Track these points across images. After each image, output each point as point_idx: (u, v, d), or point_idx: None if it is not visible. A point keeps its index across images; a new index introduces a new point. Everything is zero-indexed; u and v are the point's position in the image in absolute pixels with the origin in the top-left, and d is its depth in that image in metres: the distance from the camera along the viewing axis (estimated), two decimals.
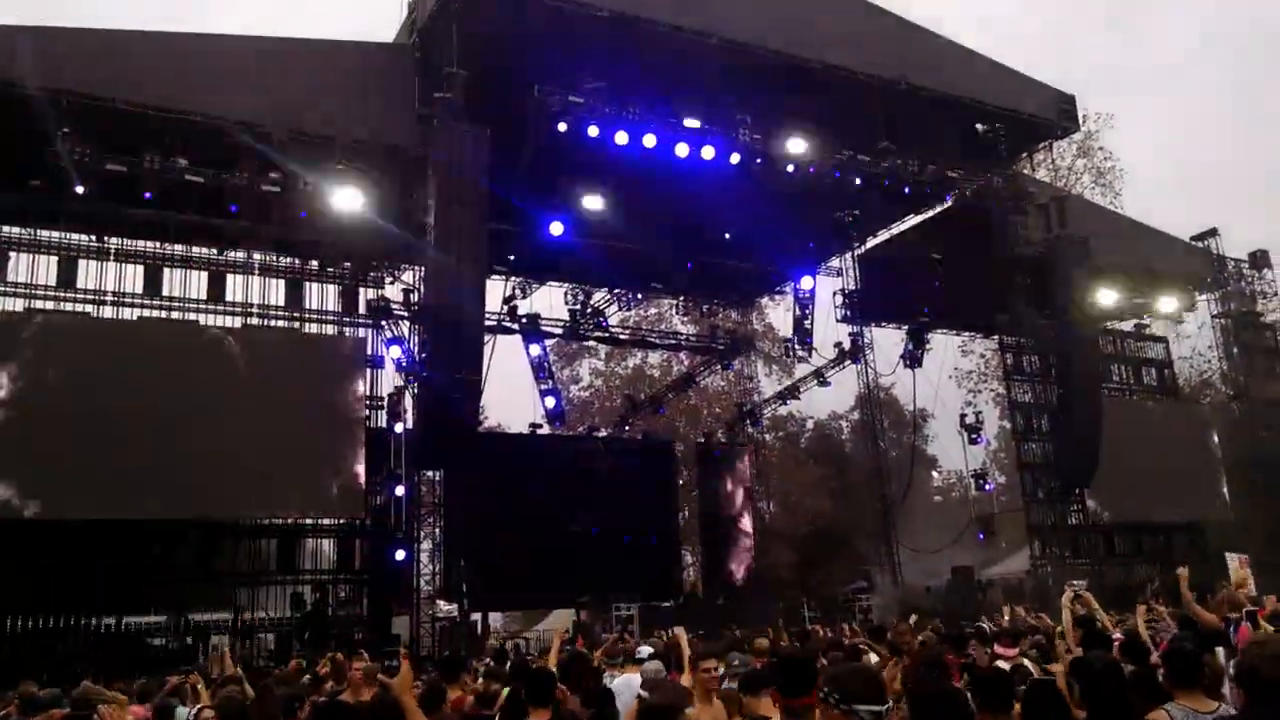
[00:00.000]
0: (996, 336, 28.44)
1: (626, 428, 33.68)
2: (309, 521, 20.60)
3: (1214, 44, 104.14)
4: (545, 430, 28.65)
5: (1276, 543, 28.74)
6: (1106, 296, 26.21)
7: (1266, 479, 29.43)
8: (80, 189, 16.80)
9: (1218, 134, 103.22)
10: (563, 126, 18.18)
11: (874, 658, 7.72)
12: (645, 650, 9.47)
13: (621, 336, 32.05)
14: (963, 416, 27.96)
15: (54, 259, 18.65)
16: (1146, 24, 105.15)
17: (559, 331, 28.76)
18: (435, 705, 5.76)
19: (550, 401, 28.44)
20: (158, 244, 19.35)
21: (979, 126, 23.96)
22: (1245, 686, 2.36)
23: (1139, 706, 4.32)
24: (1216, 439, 30.35)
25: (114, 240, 19.11)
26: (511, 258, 23.42)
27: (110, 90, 16.57)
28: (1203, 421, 30.93)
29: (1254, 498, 29.91)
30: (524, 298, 27.14)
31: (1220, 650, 5.52)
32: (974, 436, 27.78)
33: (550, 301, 27.94)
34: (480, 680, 8.42)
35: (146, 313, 19.08)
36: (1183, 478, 28.30)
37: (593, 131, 18.36)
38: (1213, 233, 29.96)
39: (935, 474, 47.94)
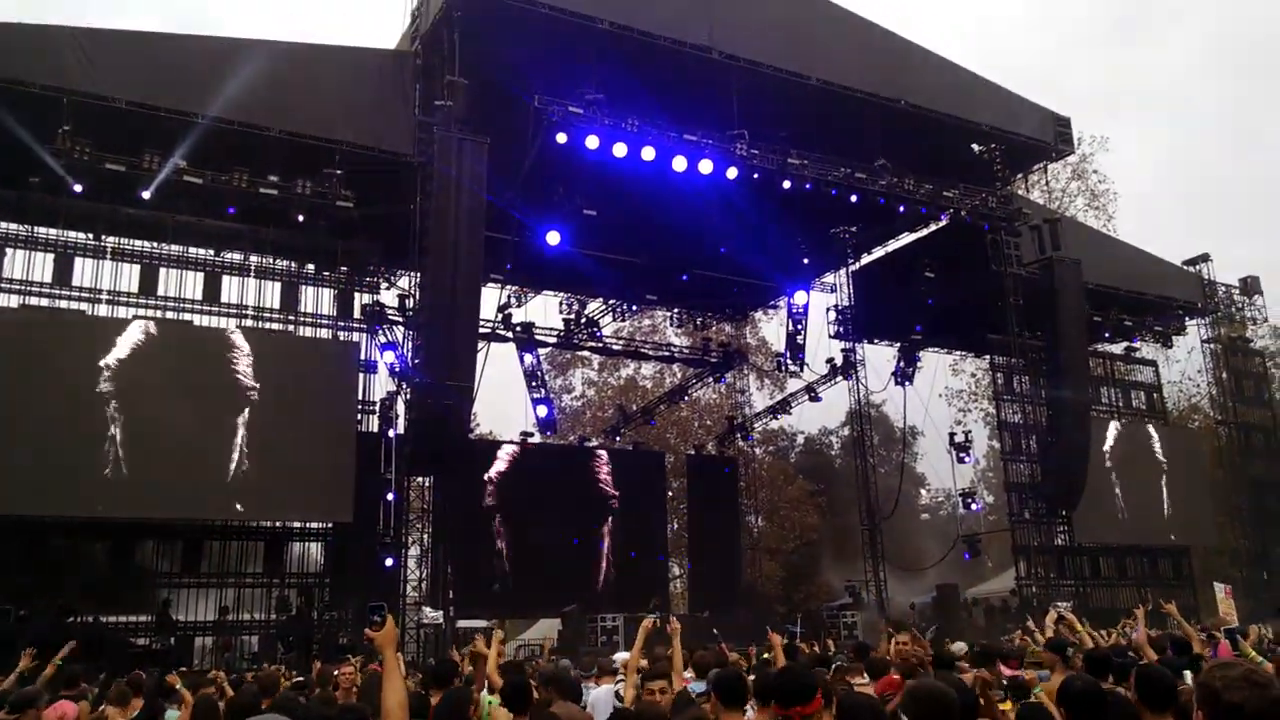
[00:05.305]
0: (988, 356, 28.56)
1: (617, 438, 33.73)
2: (296, 525, 20.61)
3: (1214, 61, 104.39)
4: (536, 439, 28.68)
5: (1260, 569, 28.94)
6: (1097, 319, 26.41)
7: (1252, 505, 29.60)
8: (78, 188, 16.86)
9: (1216, 153, 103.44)
10: (562, 137, 18.26)
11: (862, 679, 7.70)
12: (620, 657, 9.50)
13: (615, 347, 32.10)
14: (952, 435, 28.09)
15: (50, 256, 18.63)
16: (1146, 39, 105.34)
17: (553, 341, 28.85)
18: (421, 713, 5.79)
19: (542, 410, 28.49)
20: (154, 244, 19.38)
21: (975, 147, 24.17)
22: (1205, 710, 2.38)
23: None
24: (1204, 464, 30.52)
25: (110, 239, 19.12)
26: (508, 266, 23.45)
27: (112, 89, 16.64)
28: (1190, 446, 31.09)
29: (1239, 524, 30.08)
30: (519, 306, 27.24)
31: (1188, 674, 5.58)
32: (962, 455, 27.87)
33: (545, 310, 28.09)
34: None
35: (141, 312, 19.09)
36: (1169, 502, 28.45)
37: (592, 143, 18.43)
38: (1204, 258, 30.21)
39: (923, 492, 48.08)
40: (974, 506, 30.32)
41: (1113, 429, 28.59)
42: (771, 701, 3.99)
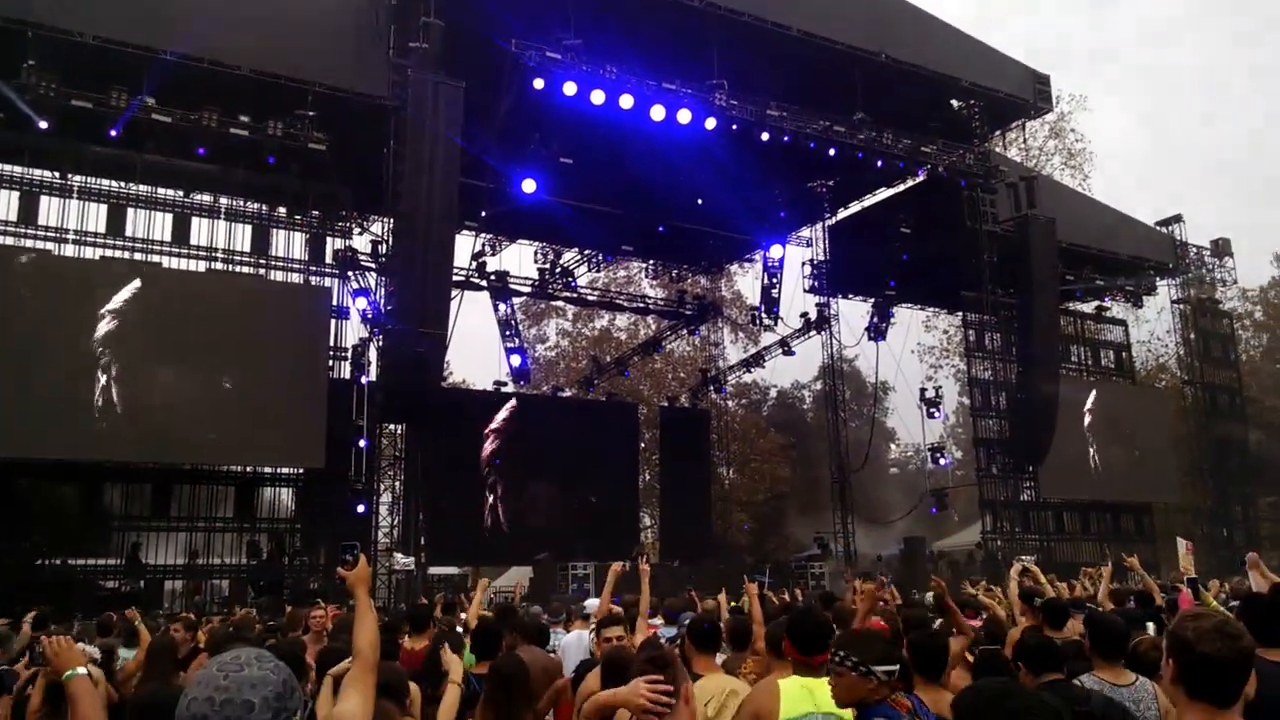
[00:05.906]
0: (960, 312, 28.73)
1: (591, 389, 33.76)
2: (267, 470, 20.55)
3: (1190, 24, 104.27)
4: (509, 388, 28.64)
5: (1220, 527, 29.53)
6: (1070, 277, 26.60)
7: (1214, 464, 30.12)
8: (43, 125, 16.47)
9: (1190, 115, 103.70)
10: (539, 83, 18.00)
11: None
12: (591, 604, 9.58)
13: (589, 297, 32.00)
14: (923, 391, 28.30)
15: (15, 194, 18.25)
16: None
17: (527, 290, 28.71)
18: (391, 655, 5.83)
19: (516, 360, 28.41)
20: (122, 184, 19.00)
21: (954, 102, 24.09)
22: (1176, 660, 2.40)
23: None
24: (1169, 423, 30.96)
25: (77, 178, 18.73)
26: (482, 214, 23.22)
27: (79, 24, 16.24)
28: (1157, 405, 31.51)
29: (1201, 482, 30.63)
30: (493, 254, 27.05)
31: (1149, 625, 5.69)
32: (933, 411, 28.13)
33: (519, 259, 27.92)
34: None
35: (108, 252, 18.78)
36: (1134, 459, 28.89)
37: (569, 89, 18.19)
38: (1177, 219, 30.40)
39: (893, 446, 48.52)
40: (943, 461, 30.68)
41: (1082, 386, 28.90)
42: (789, 646, 3.99)
